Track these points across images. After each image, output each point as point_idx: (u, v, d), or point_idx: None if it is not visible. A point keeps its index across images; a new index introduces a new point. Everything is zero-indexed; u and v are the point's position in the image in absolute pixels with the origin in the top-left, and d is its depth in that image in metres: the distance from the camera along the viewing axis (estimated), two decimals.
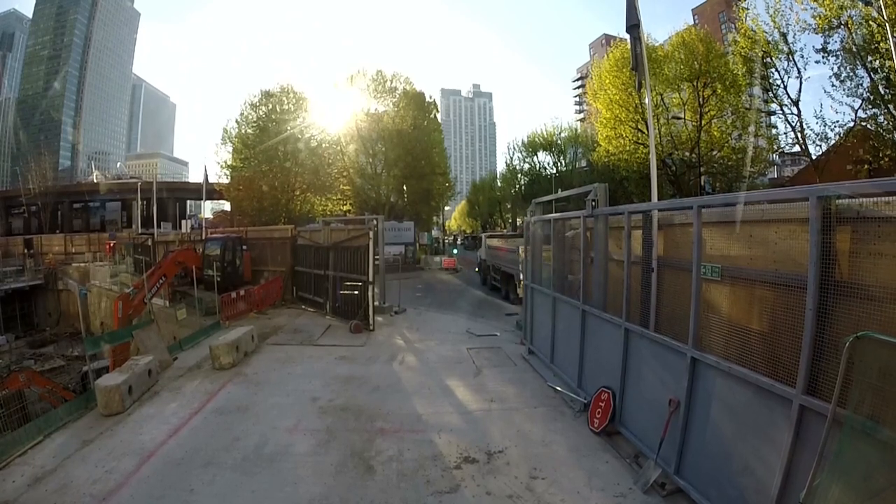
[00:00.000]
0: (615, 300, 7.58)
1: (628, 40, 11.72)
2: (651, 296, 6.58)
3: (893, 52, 16.89)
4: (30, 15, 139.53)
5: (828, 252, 4.14)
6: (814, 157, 23.04)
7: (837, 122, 21.37)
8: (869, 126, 20.42)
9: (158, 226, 41.18)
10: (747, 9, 24.27)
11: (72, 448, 7.22)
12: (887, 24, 17.47)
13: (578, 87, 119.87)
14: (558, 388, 9.16)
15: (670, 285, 6.46)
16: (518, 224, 56.51)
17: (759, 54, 23.21)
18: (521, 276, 16.67)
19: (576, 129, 52.03)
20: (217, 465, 6.55)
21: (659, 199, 9.51)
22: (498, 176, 75.41)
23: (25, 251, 46.02)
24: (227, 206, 50.97)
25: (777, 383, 4.37)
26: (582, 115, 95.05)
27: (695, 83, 28.14)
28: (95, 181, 68.11)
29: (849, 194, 4.03)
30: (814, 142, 22.65)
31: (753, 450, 4.70)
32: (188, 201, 67.23)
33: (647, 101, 9.78)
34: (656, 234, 6.69)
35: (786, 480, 4.27)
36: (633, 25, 8.29)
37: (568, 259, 9.89)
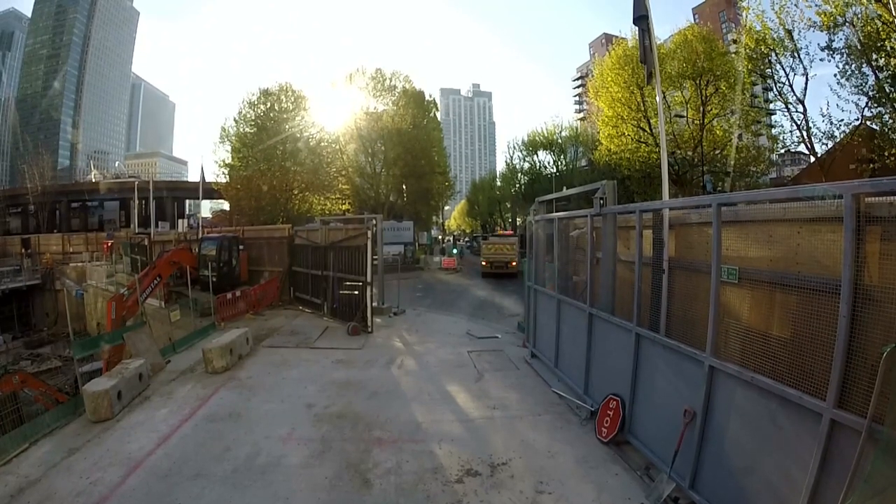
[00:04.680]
0: (624, 303, 7.27)
1: (636, 32, 11.43)
2: (662, 299, 6.27)
3: None
4: (29, 14, 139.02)
5: (862, 254, 3.83)
6: (819, 156, 22.75)
7: (843, 120, 21.07)
8: (874, 125, 20.12)
9: (156, 225, 40.86)
10: (750, 7, 23.96)
11: (57, 457, 6.96)
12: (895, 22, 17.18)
13: (578, 87, 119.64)
14: (563, 395, 8.84)
15: (683, 288, 6.16)
16: (518, 224, 56.19)
17: (765, 51, 22.90)
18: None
19: (576, 128, 51.53)
20: (206, 477, 6.23)
21: (662, 199, 9.14)
22: (498, 175, 74.95)
23: (23, 251, 45.69)
24: (226, 205, 50.64)
25: (806, 395, 4.07)
26: (582, 115, 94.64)
27: (697, 81, 27.81)
28: (94, 180, 67.76)
29: (890, 191, 3.70)
30: (820, 140, 22.34)
31: (777, 466, 4.41)
32: (187, 201, 66.92)
33: (657, 94, 9.43)
34: (668, 234, 6.37)
35: (813, 499, 3.99)
36: (642, 17, 7.97)
37: (573, 260, 9.58)
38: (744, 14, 24.40)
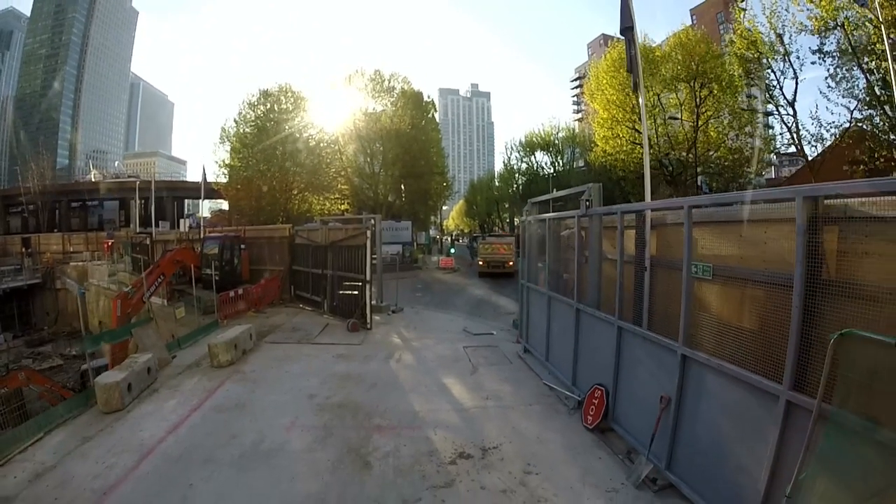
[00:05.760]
0: (609, 299, 7.66)
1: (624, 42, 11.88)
2: (644, 295, 6.66)
3: (889, 54, 16.92)
4: (28, 13, 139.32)
5: (815, 251, 4.22)
6: (809, 158, 23.16)
7: (833, 123, 21.44)
8: (865, 127, 20.46)
9: (156, 225, 41.17)
10: (745, 9, 24.35)
11: (72, 445, 7.29)
12: (883, 27, 17.51)
13: (576, 87, 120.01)
14: (553, 386, 9.26)
15: (663, 284, 6.55)
16: (515, 224, 56.54)
17: (756, 55, 23.32)
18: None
19: (573, 129, 51.94)
20: (215, 461, 6.62)
21: (656, 200, 9.59)
22: (496, 175, 75.14)
23: (23, 250, 45.95)
24: (224, 205, 50.97)
25: (765, 380, 4.47)
26: (580, 115, 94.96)
27: (692, 84, 28.22)
28: (94, 180, 68.05)
29: (835, 194, 4.12)
30: (809, 142, 22.77)
31: (743, 445, 4.79)
32: (186, 200, 67.25)
33: (641, 100, 9.88)
34: (649, 234, 6.78)
35: (773, 474, 4.37)
36: (628, 28, 8.40)
37: (563, 258, 9.98)
38: (738, 17, 24.80)
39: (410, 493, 5.75)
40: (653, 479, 5.88)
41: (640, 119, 29.09)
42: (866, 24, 18.93)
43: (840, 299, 4.04)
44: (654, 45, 30.57)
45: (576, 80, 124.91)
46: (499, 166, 77.01)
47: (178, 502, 5.67)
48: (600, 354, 7.67)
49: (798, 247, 4.23)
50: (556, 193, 10.50)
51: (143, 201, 51.01)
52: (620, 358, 7.06)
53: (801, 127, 22.98)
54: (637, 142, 29.99)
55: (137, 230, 40.99)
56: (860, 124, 20.56)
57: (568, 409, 8.25)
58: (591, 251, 8.18)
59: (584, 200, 8.04)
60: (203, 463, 6.58)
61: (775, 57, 22.87)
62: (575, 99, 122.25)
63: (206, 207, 55.31)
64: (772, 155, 29.93)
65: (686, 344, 5.51)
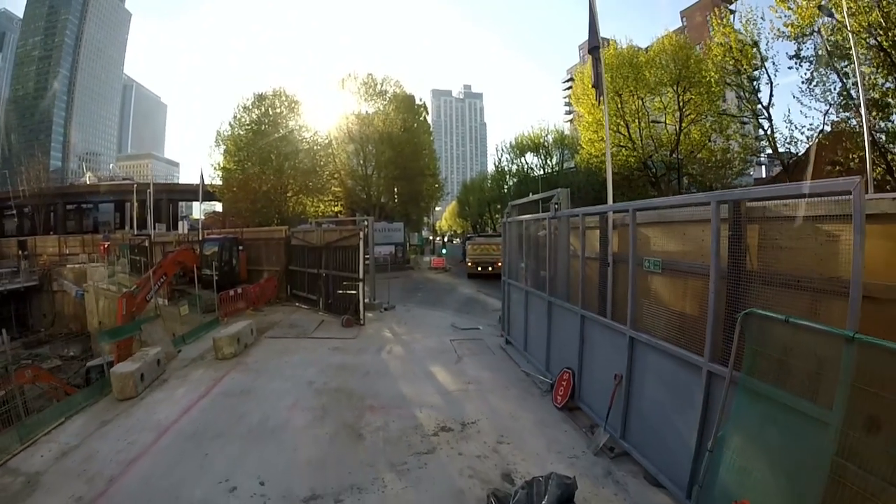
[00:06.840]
0: (575, 291, 8.57)
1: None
2: (607, 287, 7.53)
3: (856, 62, 17.78)
4: (21, 15, 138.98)
5: (737, 246, 5.07)
6: (785, 160, 24.12)
7: (807, 125, 22.30)
8: (843, 128, 21.19)
9: (153, 227, 41.73)
10: (732, 11, 25.21)
11: (92, 427, 8.12)
12: (852, 36, 18.35)
13: (568, 89, 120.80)
14: (529, 373, 10.17)
15: (623, 277, 7.42)
16: None
17: (731, 62, 24.27)
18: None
19: (562, 131, 52.69)
20: (226, 436, 7.48)
21: (615, 203, 10.49)
22: (488, 176, 75.65)
23: (20, 252, 46.39)
24: (218, 207, 51.62)
25: (691, 354, 5.36)
26: (571, 116, 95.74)
27: (675, 87, 29.12)
28: (88, 182, 68.48)
29: (742, 199, 5.00)
30: (783, 144, 23.72)
31: (679, 412, 5.67)
32: (181, 203, 67.72)
33: (605, 115, 10.81)
34: (611, 233, 7.67)
35: (701, 434, 5.22)
36: (595, 48, 9.33)
37: (540, 256, 10.87)
38: (714, 25, 25.71)
39: (398, 458, 6.63)
40: (610, 447, 6.77)
41: (623, 123, 30.26)
42: (843, 29, 19.69)
43: (760, 286, 4.88)
44: (639, 50, 31.53)
45: (567, 81, 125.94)
46: (491, 167, 77.63)
47: (196, 468, 6.51)
48: (568, 341, 8.58)
49: (712, 242, 5.14)
50: (532, 197, 11.40)
51: (138, 203, 51.54)
52: (584, 343, 7.98)
53: (774, 130, 23.94)
54: (622, 144, 30.88)
55: (135, 232, 41.52)
56: (841, 125, 21.29)
57: (541, 392, 9.16)
58: (560, 249, 9.09)
59: (553, 204, 8.96)
60: (216, 437, 7.44)
61: (751, 64, 23.83)
62: (566, 100, 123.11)
63: (199, 209, 55.95)
64: (761, 156, 30.82)
65: (633, 327, 6.40)
